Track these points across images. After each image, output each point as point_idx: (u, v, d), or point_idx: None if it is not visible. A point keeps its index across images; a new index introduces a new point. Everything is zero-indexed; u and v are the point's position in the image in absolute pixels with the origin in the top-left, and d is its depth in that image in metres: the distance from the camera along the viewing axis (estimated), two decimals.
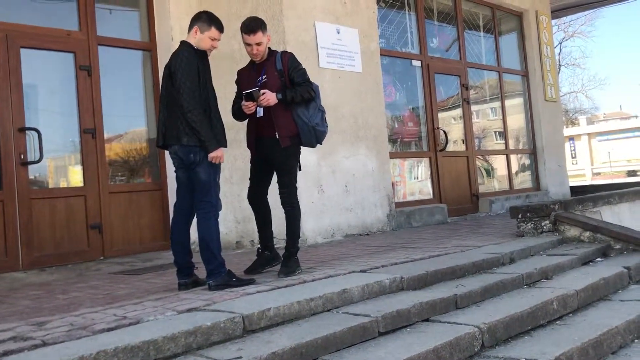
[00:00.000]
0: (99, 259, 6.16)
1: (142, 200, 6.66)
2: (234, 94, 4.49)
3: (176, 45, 6.51)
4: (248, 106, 4.15)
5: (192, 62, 3.81)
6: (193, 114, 3.72)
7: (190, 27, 3.98)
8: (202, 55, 3.93)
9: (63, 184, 6.30)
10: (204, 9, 6.77)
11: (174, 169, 4.01)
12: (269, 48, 4.37)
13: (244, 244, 6.66)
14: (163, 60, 6.68)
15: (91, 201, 6.21)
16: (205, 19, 3.98)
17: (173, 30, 6.84)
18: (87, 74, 6.29)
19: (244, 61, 4.62)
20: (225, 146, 3.95)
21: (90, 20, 6.40)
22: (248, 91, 4.10)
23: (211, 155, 3.78)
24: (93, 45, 6.38)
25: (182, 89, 3.73)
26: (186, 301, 3.36)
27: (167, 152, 6.54)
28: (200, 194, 3.84)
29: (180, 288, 3.83)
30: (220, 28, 4.02)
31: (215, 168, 3.88)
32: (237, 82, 4.49)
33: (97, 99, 6.34)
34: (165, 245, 6.59)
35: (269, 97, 4.10)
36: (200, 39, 3.94)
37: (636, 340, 3.41)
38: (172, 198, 6.64)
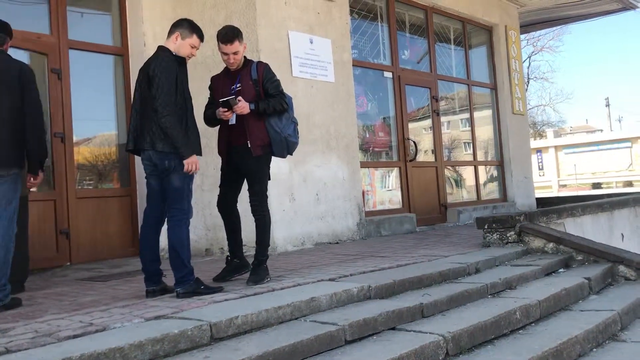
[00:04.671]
0: (66, 265, 6.08)
1: (110, 206, 6.60)
2: (206, 100, 4.50)
3: (149, 51, 6.52)
4: (224, 113, 4.17)
5: (171, 68, 3.80)
6: (167, 119, 3.70)
7: (171, 33, 3.98)
8: (181, 62, 3.93)
9: None
10: (177, 15, 6.84)
11: (145, 175, 3.97)
12: (245, 57, 4.40)
13: (213, 251, 6.64)
14: (135, 65, 6.67)
15: (59, 206, 6.13)
16: (187, 26, 3.99)
17: (146, 35, 6.81)
18: (57, 77, 6.22)
19: (217, 67, 4.64)
20: (200, 154, 3.93)
21: (61, 24, 6.34)
22: (225, 99, 4.13)
23: (186, 161, 3.77)
24: (64, 49, 6.32)
25: (158, 93, 3.71)
26: (154, 308, 3.35)
27: (137, 158, 6.49)
28: (173, 200, 3.82)
29: (148, 295, 3.81)
30: (201, 36, 4.05)
31: (189, 175, 3.87)
32: (210, 88, 4.51)
33: (67, 102, 6.27)
34: (134, 252, 6.53)
35: (244, 106, 4.13)
36: (180, 45, 3.94)
37: (594, 350, 3.51)
38: (141, 204, 6.61)
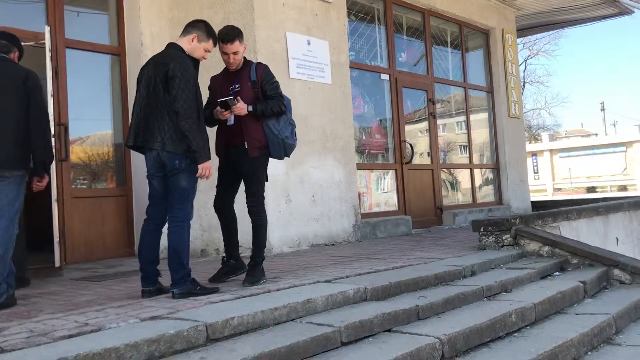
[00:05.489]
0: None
1: (106, 206, 6.58)
2: (204, 100, 4.49)
3: (146, 51, 6.52)
4: (223, 113, 4.17)
5: (191, 70, 3.78)
6: (188, 122, 3.67)
7: (187, 33, 3.96)
8: (196, 64, 3.92)
9: None
10: (174, 16, 6.85)
11: (147, 174, 3.91)
12: (245, 57, 4.40)
13: (209, 252, 6.63)
14: (132, 65, 6.66)
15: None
16: (205, 30, 3.99)
17: (143, 35, 6.80)
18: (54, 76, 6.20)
19: (215, 68, 4.64)
20: (210, 157, 3.89)
21: (58, 22, 6.32)
22: (224, 99, 4.13)
23: (201, 166, 3.75)
24: (61, 48, 6.30)
25: (179, 95, 3.66)
26: (149, 309, 3.34)
27: (133, 158, 6.48)
28: (177, 201, 3.78)
29: (144, 295, 3.78)
30: (216, 42, 4.07)
31: (195, 177, 3.84)
32: (209, 88, 4.50)
33: (63, 101, 6.25)
34: (129, 252, 6.53)
35: (242, 107, 4.13)
36: (195, 47, 3.94)
37: (589, 353, 3.52)
38: (137, 204, 6.60)
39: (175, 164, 3.75)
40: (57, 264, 5.36)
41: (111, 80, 6.93)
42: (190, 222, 3.85)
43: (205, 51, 4.00)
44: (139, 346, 2.61)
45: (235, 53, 4.23)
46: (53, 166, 6.12)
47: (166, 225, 3.84)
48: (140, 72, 3.97)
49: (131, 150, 4.27)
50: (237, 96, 4.16)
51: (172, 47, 3.94)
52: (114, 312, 3.30)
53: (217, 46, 4.25)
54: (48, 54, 5.45)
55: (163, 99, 3.73)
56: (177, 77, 3.69)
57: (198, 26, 4.00)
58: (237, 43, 4.21)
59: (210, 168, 3.81)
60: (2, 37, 4.34)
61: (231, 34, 4.21)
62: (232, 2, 6.60)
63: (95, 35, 6.79)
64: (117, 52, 6.88)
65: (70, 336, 2.76)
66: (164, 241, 3.83)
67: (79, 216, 6.32)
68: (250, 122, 4.21)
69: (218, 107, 4.18)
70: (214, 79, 4.50)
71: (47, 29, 5.51)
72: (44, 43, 5.93)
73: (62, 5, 6.39)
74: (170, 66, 3.72)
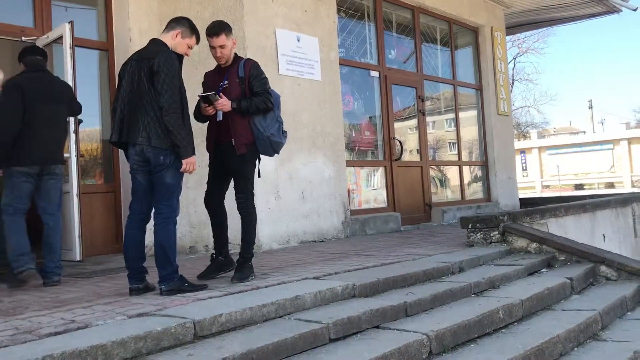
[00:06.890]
0: None
1: (94, 202, 6.54)
2: (190, 96, 4.47)
3: (134, 47, 6.46)
4: (206, 109, 4.16)
5: (176, 65, 3.78)
6: (172, 117, 3.67)
7: (171, 28, 3.96)
8: (180, 59, 3.92)
9: None
10: (163, 11, 6.80)
11: (131, 169, 3.89)
12: (236, 54, 4.39)
13: (198, 248, 6.62)
14: (120, 60, 6.59)
15: None
16: (188, 26, 4.00)
17: (131, 31, 6.75)
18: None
19: (202, 64, 4.63)
20: (194, 153, 3.87)
21: (45, 17, 6.27)
22: (204, 94, 4.13)
23: (185, 161, 3.74)
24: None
25: (164, 90, 3.66)
26: (137, 306, 3.32)
27: (121, 154, 6.43)
28: (163, 197, 3.76)
29: (132, 293, 3.76)
30: (199, 39, 4.08)
31: (181, 172, 3.83)
32: (202, 84, 4.51)
33: None
34: (117, 249, 6.47)
35: (225, 103, 4.12)
36: (179, 43, 3.94)
37: (576, 349, 3.54)
38: (125, 200, 6.54)
39: (160, 160, 3.73)
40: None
41: (99, 76, 6.88)
42: (177, 218, 3.83)
43: (189, 47, 4.01)
44: (126, 343, 2.60)
45: (222, 47, 4.22)
46: None
47: (152, 222, 3.82)
48: (122, 67, 3.95)
49: None
50: (221, 92, 4.15)
51: (155, 42, 3.94)
52: (101, 309, 3.29)
53: (207, 42, 4.24)
54: (69, 52, 5.44)
55: (148, 94, 3.71)
56: (163, 72, 3.69)
57: (182, 22, 4.01)
58: (223, 37, 4.20)
59: (194, 163, 3.80)
60: (36, 53, 4.85)
61: (217, 28, 4.22)
62: None
63: (83, 30, 6.71)
64: (105, 48, 6.83)
65: (56, 333, 2.75)
66: (151, 238, 3.80)
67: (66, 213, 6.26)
68: (237, 119, 4.19)
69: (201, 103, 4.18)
70: (207, 74, 4.52)
71: (67, 27, 5.46)
72: (34, 38, 5.91)
73: (49, 0, 6.33)
74: (156, 61, 3.72)
